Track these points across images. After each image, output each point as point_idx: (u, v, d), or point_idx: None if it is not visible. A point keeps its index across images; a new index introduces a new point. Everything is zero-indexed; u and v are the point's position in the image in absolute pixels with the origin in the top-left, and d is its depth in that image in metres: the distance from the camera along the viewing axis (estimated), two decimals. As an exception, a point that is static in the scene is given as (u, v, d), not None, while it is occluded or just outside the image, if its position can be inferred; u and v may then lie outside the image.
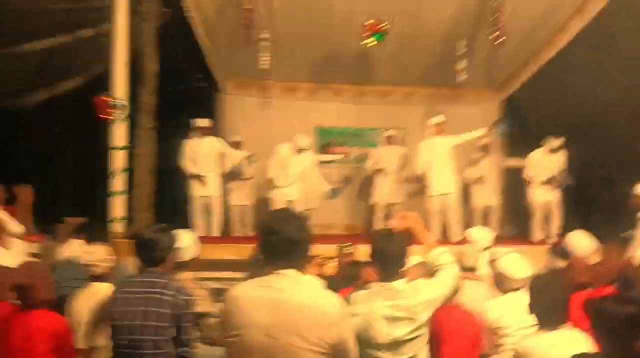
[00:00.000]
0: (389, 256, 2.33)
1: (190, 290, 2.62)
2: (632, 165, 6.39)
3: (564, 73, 7.53)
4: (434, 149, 6.72)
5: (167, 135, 6.93)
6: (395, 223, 2.63)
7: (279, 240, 1.87)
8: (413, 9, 6.70)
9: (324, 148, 9.33)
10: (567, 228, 4.73)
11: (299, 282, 1.88)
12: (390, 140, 7.84)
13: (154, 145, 6.06)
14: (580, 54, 7.01)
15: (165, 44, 6.44)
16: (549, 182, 6.70)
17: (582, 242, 3.88)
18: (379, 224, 7.67)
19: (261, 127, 8.87)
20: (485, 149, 7.75)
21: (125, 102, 5.56)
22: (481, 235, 4.21)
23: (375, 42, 6.63)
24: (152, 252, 2.58)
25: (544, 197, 6.76)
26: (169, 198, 6.66)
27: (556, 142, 6.70)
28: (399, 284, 2.31)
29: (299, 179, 6.91)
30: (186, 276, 2.98)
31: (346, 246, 4.36)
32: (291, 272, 1.87)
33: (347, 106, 9.43)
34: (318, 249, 4.22)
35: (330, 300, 1.88)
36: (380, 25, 6.48)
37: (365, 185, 8.89)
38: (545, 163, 6.79)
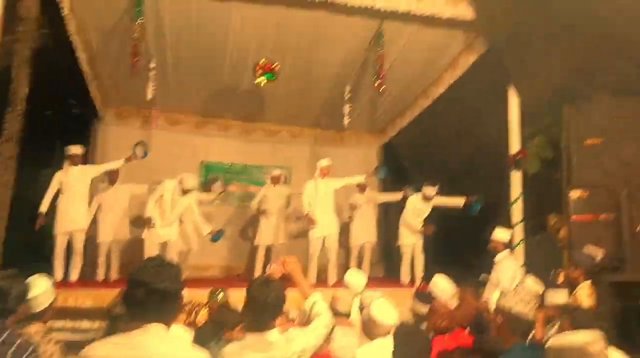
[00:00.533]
0: (264, 305, 2.29)
1: (36, 346, 2.36)
2: (495, 210, 7.04)
3: (436, 121, 8.16)
4: (319, 191, 6.90)
5: (33, 164, 6.36)
6: (274, 269, 2.62)
7: (149, 292, 1.75)
8: (305, 52, 6.91)
9: (208, 183, 9.13)
10: (431, 271, 5.04)
11: (165, 338, 1.78)
12: (274, 180, 7.85)
13: (12, 176, 5.47)
14: (451, 106, 7.67)
15: (42, 67, 5.96)
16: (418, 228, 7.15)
17: (442, 287, 4.16)
18: (259, 265, 7.58)
19: (144, 159, 8.49)
20: (362, 188, 8.09)
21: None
22: (356, 279, 4.35)
23: (266, 81, 6.72)
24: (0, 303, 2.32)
25: (411, 240, 7.19)
26: (23, 235, 6.02)
27: (431, 190, 7.12)
28: (272, 335, 2.28)
29: (178, 219, 6.63)
30: (36, 328, 2.70)
31: (218, 292, 4.23)
32: (158, 327, 1.76)
33: (234, 142, 9.41)
34: (190, 295, 4.06)
35: (197, 357, 1.80)
36: (272, 65, 6.60)
37: (248, 225, 8.85)
38: (419, 209, 7.22)
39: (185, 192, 6.51)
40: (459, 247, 7.18)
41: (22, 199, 6.03)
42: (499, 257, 5.31)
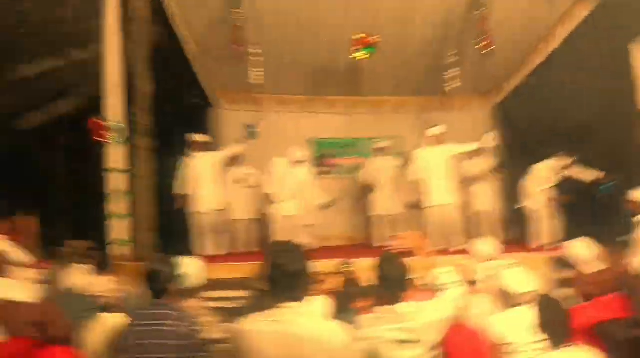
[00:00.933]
0: (391, 281, 2.41)
1: (196, 319, 2.63)
2: (626, 169, 6.46)
3: (551, 80, 7.60)
4: (433, 159, 6.76)
5: (165, 155, 6.93)
6: (396, 244, 2.70)
7: (281, 275, 1.96)
8: (401, 20, 6.78)
9: (318, 159, 9.37)
10: (567, 234, 4.77)
11: (302, 314, 1.96)
12: (378, 152, 7.83)
13: (152, 166, 6.05)
14: (567, 61, 7.09)
15: (158, 63, 6.44)
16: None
17: (583, 252, 3.92)
18: (377, 235, 7.63)
19: (256, 140, 8.92)
20: (477, 154, 7.78)
21: (122, 124, 5.56)
22: (485, 247, 4.23)
23: (366, 56, 6.68)
24: (154, 284, 2.61)
25: (536, 205, 6.81)
26: (170, 218, 6.62)
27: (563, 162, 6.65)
28: (403, 307, 2.36)
29: (296, 192, 6.89)
30: (193, 303, 2.99)
31: (345, 265, 4.35)
32: (295, 305, 1.96)
33: (340, 117, 9.50)
34: (318, 266, 4.24)
35: (334, 330, 1.96)
36: (370, 39, 6.53)
37: (362, 197, 8.95)
38: (547, 178, 6.80)
39: (295, 163, 6.72)
40: (594, 208, 6.73)
41: (162, 186, 6.67)
42: (638, 218, 4.90)
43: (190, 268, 3.06)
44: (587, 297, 2.97)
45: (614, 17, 5.61)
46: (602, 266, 3.66)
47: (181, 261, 3.00)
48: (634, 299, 2.66)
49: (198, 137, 6.97)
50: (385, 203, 7.68)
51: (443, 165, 6.78)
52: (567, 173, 6.75)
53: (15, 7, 5.61)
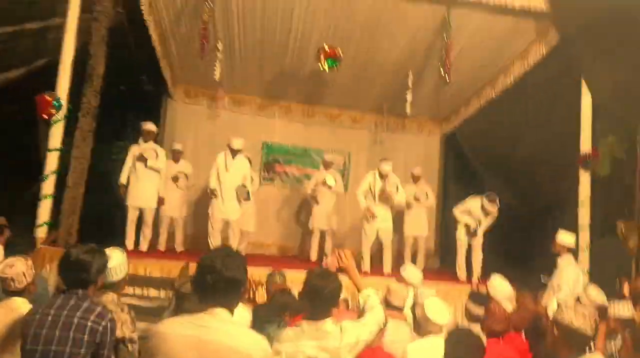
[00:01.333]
0: (322, 296, 2.37)
1: (112, 315, 2.56)
2: (557, 210, 6.77)
3: (503, 113, 7.90)
4: (376, 187, 6.84)
5: (105, 137, 6.70)
6: (331, 261, 2.69)
7: (217, 279, 1.88)
8: (368, 38, 6.86)
9: (266, 164, 9.35)
10: (490, 270, 4.95)
11: (229, 322, 1.91)
12: (327, 166, 7.86)
13: (89, 148, 5.84)
14: (519, 98, 7.39)
15: (115, 44, 6.27)
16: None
17: (500, 288, 4.09)
18: (314, 249, 7.68)
19: (207, 136, 8.83)
20: (415, 179, 7.98)
21: (64, 102, 5.36)
22: (412, 274, 4.34)
23: (330, 67, 6.74)
24: (80, 274, 2.50)
25: (467, 238, 7.03)
26: (95, 204, 6.40)
27: (490, 205, 6.68)
28: (328, 325, 2.35)
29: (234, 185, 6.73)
30: (111, 297, 2.90)
31: (277, 274, 4.35)
32: (223, 312, 1.90)
33: (295, 124, 9.53)
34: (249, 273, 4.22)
35: (256, 342, 1.92)
36: (335, 51, 6.59)
37: (303, 208, 8.99)
38: (477, 215, 6.93)
39: (234, 153, 6.62)
40: (520, 246, 6.98)
41: (97, 170, 6.45)
42: (561, 261, 5.14)
43: (114, 260, 2.96)
44: (494, 334, 3.11)
45: (569, 58, 5.88)
46: (514, 305, 3.83)
47: (109, 252, 2.91)
48: (539, 341, 2.81)
49: (148, 126, 6.78)
50: (325, 217, 7.71)
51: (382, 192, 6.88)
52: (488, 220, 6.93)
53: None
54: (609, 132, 6.13)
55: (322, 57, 6.64)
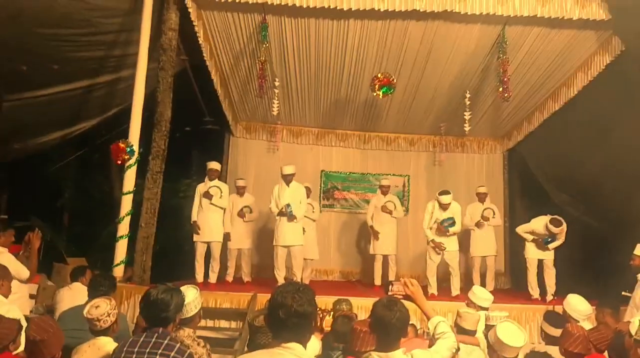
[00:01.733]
0: (389, 327, 2.35)
1: (190, 350, 2.68)
2: (631, 224, 6.39)
3: (568, 126, 7.62)
4: (438, 214, 6.78)
5: (173, 176, 7.01)
6: (397, 289, 2.67)
7: (289, 314, 1.92)
8: (422, 61, 6.90)
9: (328, 191, 9.47)
10: (565, 287, 4.74)
11: (303, 355, 1.94)
12: (384, 190, 7.78)
13: (159, 188, 6.18)
14: (584, 110, 7.11)
15: (180, 88, 6.67)
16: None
17: (577, 307, 3.92)
18: (377, 274, 7.60)
19: (268, 168, 9.09)
20: (481, 198, 7.80)
21: (136, 148, 5.74)
22: (481, 296, 4.25)
23: (384, 94, 6.83)
24: (160, 313, 2.62)
25: (536, 255, 6.78)
26: (165, 240, 6.69)
27: (555, 229, 6.47)
28: (398, 355, 2.33)
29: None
30: (187, 333, 3.04)
31: (343, 301, 4.38)
32: (296, 346, 1.94)
33: (352, 151, 9.63)
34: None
35: None
36: (390, 79, 6.68)
37: (364, 233, 8.99)
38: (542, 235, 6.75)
39: (288, 180, 6.71)
40: (598, 262, 6.63)
41: (167, 208, 6.78)
42: (642, 275, 4.85)
43: (189, 297, 3.11)
44: (572, 356, 2.97)
45: (635, 67, 5.63)
46: (593, 324, 3.65)
47: (183, 290, 3.06)
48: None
49: (212, 165, 7.08)
50: (387, 242, 7.62)
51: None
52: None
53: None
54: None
55: (376, 85, 6.75)
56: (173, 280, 5.92)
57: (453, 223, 6.64)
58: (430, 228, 6.79)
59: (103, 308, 3.11)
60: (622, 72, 5.99)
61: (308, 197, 7.21)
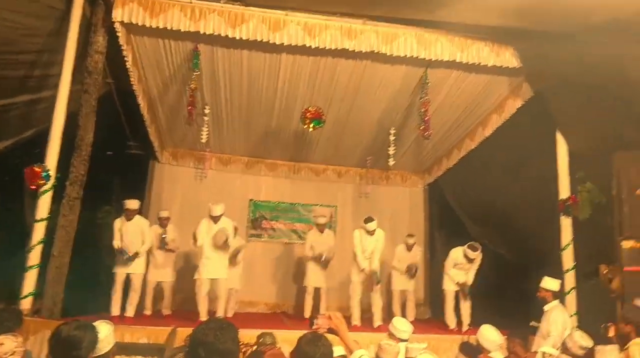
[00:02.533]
0: None
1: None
2: (542, 256, 6.86)
3: (483, 163, 8.11)
4: (366, 242, 6.96)
5: (91, 202, 6.68)
6: (321, 323, 2.69)
7: (210, 353, 1.89)
8: (351, 97, 7.15)
9: (256, 221, 9.41)
10: (481, 318, 4.96)
11: None
12: (320, 228, 7.78)
13: (76, 215, 5.86)
14: (498, 148, 7.62)
15: (104, 112, 6.43)
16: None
17: (489, 337, 4.13)
18: (308, 307, 7.58)
19: (194, 197, 8.92)
20: (410, 246, 8.00)
21: (53, 173, 5.42)
22: (402, 327, 4.35)
23: (314, 127, 7.00)
24: (71, 352, 2.47)
25: (454, 287, 7.09)
26: (79, 269, 6.34)
27: (472, 253, 6.89)
28: None
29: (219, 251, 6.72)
30: (99, 370, 2.89)
31: (267, 335, 4.33)
32: None
33: (282, 181, 9.70)
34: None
35: None
36: (319, 113, 6.86)
37: (295, 265, 8.98)
38: (460, 264, 7.10)
39: (216, 220, 6.63)
40: (511, 293, 7.00)
41: (85, 236, 6.43)
42: (548, 307, 5.18)
43: (102, 333, 2.96)
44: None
45: (544, 110, 6.14)
46: (505, 354, 3.85)
47: (96, 326, 2.91)
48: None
49: (130, 204, 6.81)
50: (319, 275, 7.65)
51: (371, 247, 6.97)
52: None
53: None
54: (587, 178, 6.33)
55: (307, 118, 6.91)
56: (86, 313, 5.62)
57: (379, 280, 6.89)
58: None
59: (8, 346, 2.90)
60: (532, 114, 6.51)
61: (235, 235, 7.10)
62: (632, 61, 4.93)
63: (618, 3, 4.65)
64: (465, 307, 6.98)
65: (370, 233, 6.90)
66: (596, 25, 5.07)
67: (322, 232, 7.74)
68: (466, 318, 6.91)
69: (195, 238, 6.57)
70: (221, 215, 6.62)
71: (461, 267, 7.06)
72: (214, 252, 6.52)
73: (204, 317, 6.19)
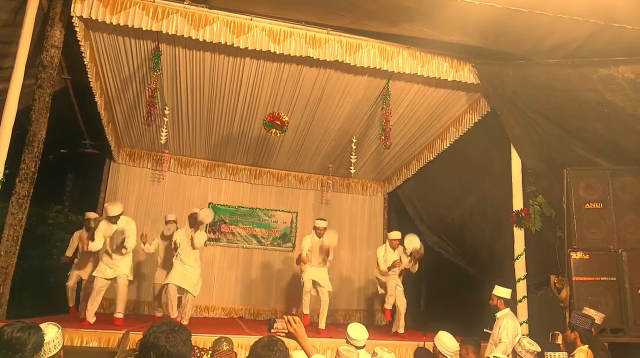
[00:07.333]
0: None
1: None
2: (495, 264, 7.05)
3: (441, 174, 8.32)
4: (315, 246, 7.03)
5: (42, 201, 6.47)
6: (280, 327, 2.66)
7: (161, 356, 1.86)
8: (314, 104, 7.16)
9: (215, 225, 9.29)
10: (436, 324, 5.03)
11: None
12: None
13: (25, 214, 5.63)
14: (456, 161, 7.82)
15: (58, 108, 6.21)
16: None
17: (445, 344, 4.20)
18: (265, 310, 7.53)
19: (152, 198, 8.74)
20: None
21: (1, 169, 5.18)
22: (355, 337, 4.36)
23: (278, 134, 6.98)
24: (15, 354, 2.36)
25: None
26: (30, 272, 6.10)
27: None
28: None
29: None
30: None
31: (223, 340, 4.27)
32: None
33: (242, 185, 9.62)
34: (194, 340, 4.10)
35: None
36: (282, 119, 6.84)
37: (255, 270, 8.91)
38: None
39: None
40: (465, 301, 7.14)
41: (34, 235, 6.19)
42: (499, 314, 5.32)
43: (49, 336, 2.84)
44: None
45: (499, 125, 6.34)
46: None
47: (43, 328, 2.80)
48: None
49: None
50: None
51: (320, 252, 7.02)
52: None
53: None
54: (539, 192, 6.55)
55: (269, 124, 6.88)
56: (34, 315, 5.39)
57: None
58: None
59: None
60: (488, 129, 6.71)
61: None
62: (579, 81, 5.16)
63: (569, 28, 4.85)
64: (402, 304, 7.03)
65: (320, 233, 6.98)
66: (548, 48, 5.30)
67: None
68: (402, 315, 6.97)
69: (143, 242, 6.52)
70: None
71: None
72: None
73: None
